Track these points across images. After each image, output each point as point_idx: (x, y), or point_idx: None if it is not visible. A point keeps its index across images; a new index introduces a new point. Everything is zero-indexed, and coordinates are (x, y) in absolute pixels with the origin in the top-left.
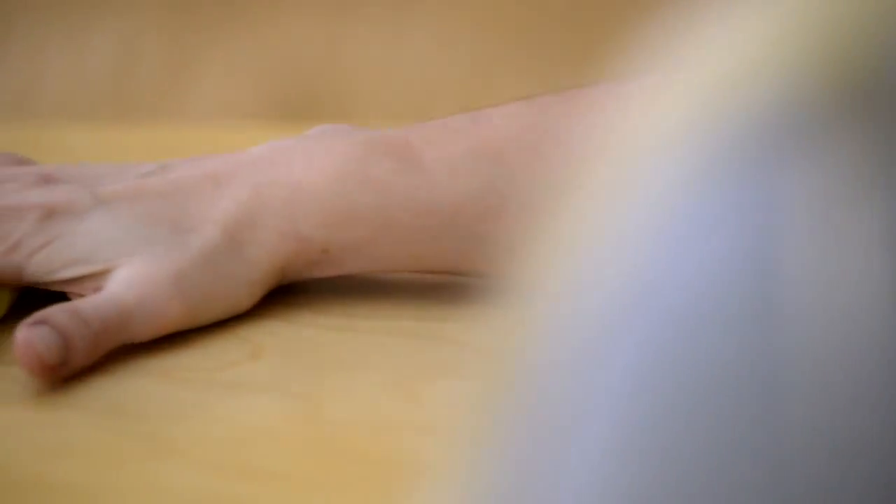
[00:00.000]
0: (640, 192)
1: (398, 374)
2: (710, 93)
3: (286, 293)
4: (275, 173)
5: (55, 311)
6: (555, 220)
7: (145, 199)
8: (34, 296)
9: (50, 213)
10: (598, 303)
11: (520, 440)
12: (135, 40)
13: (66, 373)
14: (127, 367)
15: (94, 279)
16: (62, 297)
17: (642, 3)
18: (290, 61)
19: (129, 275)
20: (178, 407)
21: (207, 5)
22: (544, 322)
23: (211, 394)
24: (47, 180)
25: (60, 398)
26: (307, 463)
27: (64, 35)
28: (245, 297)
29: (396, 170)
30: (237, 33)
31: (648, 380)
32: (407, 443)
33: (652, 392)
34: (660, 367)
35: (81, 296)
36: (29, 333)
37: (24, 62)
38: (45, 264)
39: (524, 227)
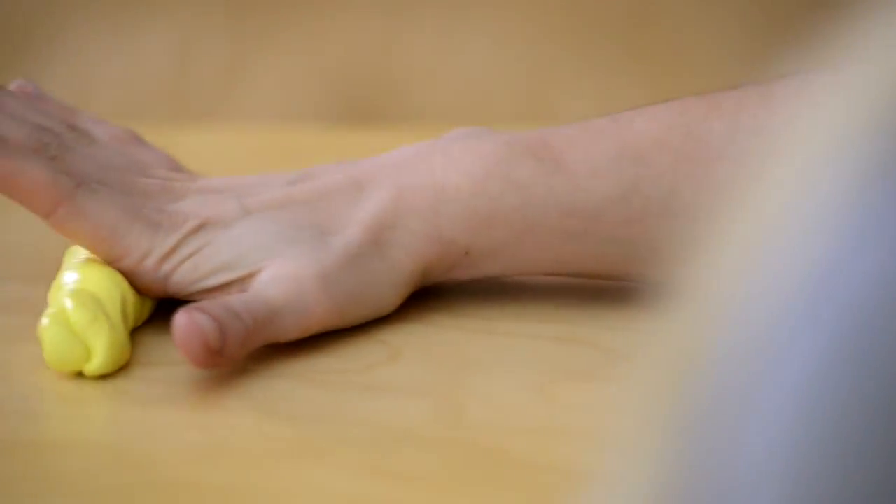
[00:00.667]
0: (817, 189)
1: (538, 377)
2: (887, 92)
3: (422, 296)
4: (417, 176)
5: (208, 304)
6: (731, 219)
7: (290, 207)
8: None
9: (200, 226)
10: (777, 300)
11: (695, 440)
12: (190, 41)
13: (221, 363)
14: (269, 369)
15: (239, 285)
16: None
17: (693, 5)
18: (346, 63)
19: (276, 275)
20: (321, 409)
21: (263, 7)
22: (719, 321)
23: (352, 396)
24: (200, 191)
25: (208, 400)
26: (451, 465)
27: (118, 36)
28: (389, 298)
29: (539, 171)
30: (293, 35)
31: (831, 375)
32: (549, 446)
33: (834, 387)
34: (842, 361)
35: None
36: (192, 317)
37: (78, 63)
38: (189, 274)
39: (671, 230)
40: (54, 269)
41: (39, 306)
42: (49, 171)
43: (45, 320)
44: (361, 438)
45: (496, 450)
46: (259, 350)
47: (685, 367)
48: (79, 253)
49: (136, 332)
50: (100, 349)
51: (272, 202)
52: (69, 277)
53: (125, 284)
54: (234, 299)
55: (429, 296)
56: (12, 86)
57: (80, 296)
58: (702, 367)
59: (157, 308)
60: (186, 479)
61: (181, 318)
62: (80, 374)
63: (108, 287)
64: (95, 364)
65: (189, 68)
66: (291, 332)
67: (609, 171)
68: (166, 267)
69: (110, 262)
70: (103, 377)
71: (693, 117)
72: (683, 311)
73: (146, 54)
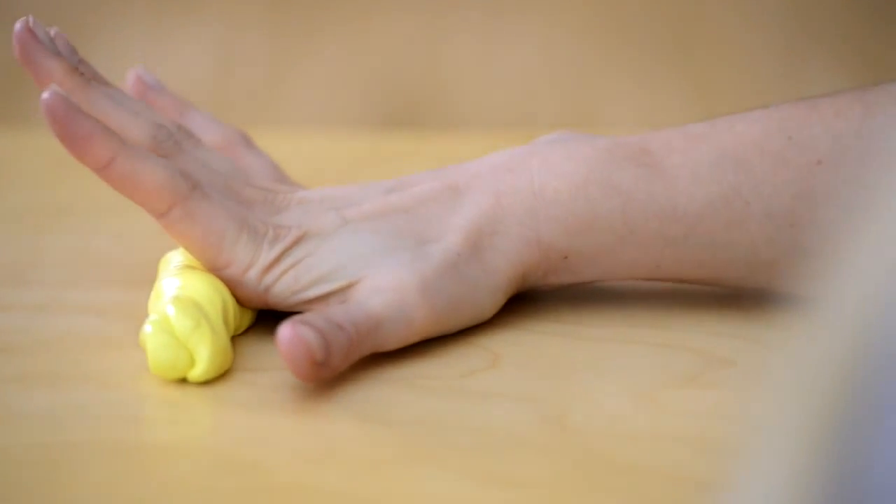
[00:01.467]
0: None
1: (639, 383)
2: None
3: (518, 301)
4: (514, 180)
5: (311, 317)
6: (863, 227)
7: (389, 216)
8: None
9: (300, 238)
10: None
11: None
12: (230, 47)
13: (325, 375)
14: (372, 376)
15: (339, 296)
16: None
17: (736, 11)
18: (389, 68)
19: (376, 285)
20: (425, 414)
21: (304, 12)
22: (869, 329)
23: (456, 401)
24: (300, 203)
25: (314, 406)
26: (556, 471)
27: (156, 41)
28: (489, 304)
29: (639, 176)
30: (335, 40)
31: None
32: (657, 452)
33: None
34: None
35: None
36: (296, 330)
37: (115, 69)
38: (290, 285)
39: (770, 235)
40: (150, 275)
41: (138, 313)
42: (167, 171)
43: (148, 328)
44: (468, 444)
45: (604, 456)
46: (364, 356)
47: (836, 376)
48: (173, 261)
49: (237, 338)
50: (203, 355)
51: (371, 212)
52: (170, 284)
53: (226, 290)
54: (336, 311)
55: (525, 301)
56: (130, 74)
57: (182, 303)
58: (855, 375)
59: (257, 316)
60: (296, 483)
61: (286, 331)
62: (182, 380)
63: (210, 293)
64: (199, 370)
65: (229, 74)
66: (393, 342)
67: (709, 176)
68: (268, 279)
69: (214, 269)
70: (206, 383)
71: (792, 122)
72: (825, 318)
73: (185, 59)
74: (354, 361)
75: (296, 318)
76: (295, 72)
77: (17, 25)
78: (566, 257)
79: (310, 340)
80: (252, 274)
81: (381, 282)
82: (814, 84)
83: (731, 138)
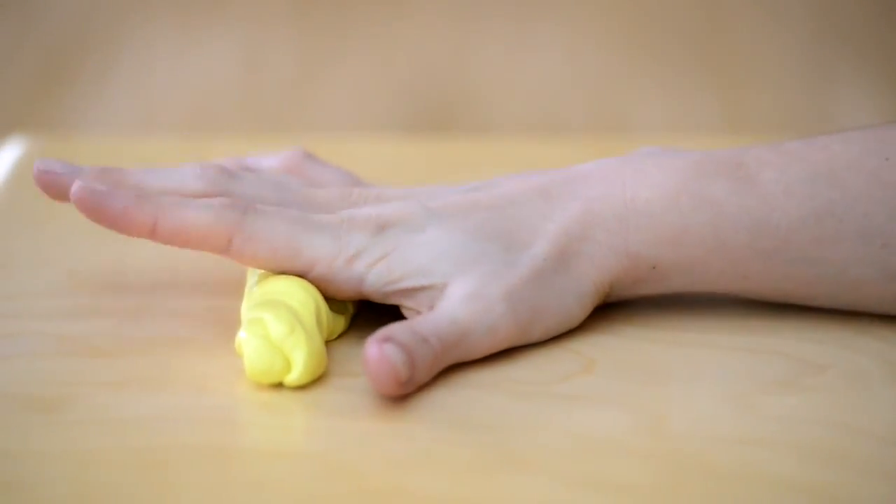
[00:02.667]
0: None
1: (736, 388)
2: None
3: (606, 306)
4: (606, 188)
5: (397, 330)
6: None
7: (477, 212)
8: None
9: (384, 226)
10: None
11: None
12: (258, 51)
13: (409, 390)
14: (462, 379)
15: (430, 292)
16: (394, 315)
17: (763, 16)
18: (417, 73)
19: (463, 293)
20: (520, 419)
21: (332, 17)
22: None
23: (550, 406)
24: (378, 198)
25: (405, 410)
26: (655, 476)
27: (183, 45)
28: (575, 312)
29: (731, 189)
30: (364, 44)
31: None
32: (756, 458)
33: None
34: None
35: (415, 311)
36: (382, 350)
37: (143, 74)
38: (384, 275)
39: (862, 254)
40: (238, 281)
41: (228, 318)
42: (210, 210)
43: (243, 334)
44: (565, 448)
45: (703, 461)
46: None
47: None
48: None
49: (330, 343)
50: (299, 360)
51: (457, 206)
52: (262, 290)
53: (318, 294)
54: (422, 322)
55: (614, 307)
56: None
57: (276, 308)
58: None
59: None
60: (394, 487)
61: (373, 351)
62: (278, 385)
63: (303, 297)
64: (295, 375)
65: (257, 79)
66: (477, 352)
67: (803, 192)
68: (359, 267)
69: (299, 274)
70: (301, 387)
71: (889, 143)
72: None
73: (213, 64)
74: (438, 372)
75: (382, 332)
76: (322, 77)
77: (34, 170)
78: (654, 267)
79: (395, 361)
80: (338, 265)
81: (468, 290)
82: (839, 89)
83: (826, 156)
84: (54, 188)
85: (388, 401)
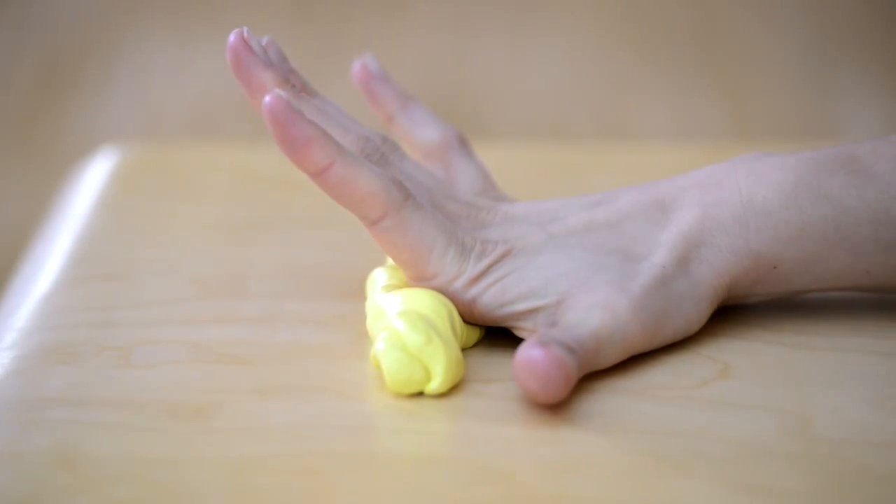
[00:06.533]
0: None
1: (877, 392)
2: None
3: (729, 311)
4: (722, 192)
5: (545, 339)
6: None
7: (595, 231)
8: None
9: (509, 252)
10: None
11: None
12: None
13: (564, 395)
14: (600, 387)
15: (545, 312)
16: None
17: (764, 19)
18: (417, 77)
19: (589, 304)
20: (667, 424)
21: (331, 23)
22: None
23: (692, 411)
24: (504, 219)
25: (551, 416)
26: (811, 480)
27: (184, 49)
28: (695, 316)
29: (849, 183)
30: (363, 48)
31: None
32: None
33: None
34: None
35: (530, 332)
36: (551, 351)
37: (143, 77)
38: (497, 297)
39: None
40: (361, 286)
41: (355, 323)
42: (383, 179)
43: (380, 345)
44: (717, 453)
45: (856, 465)
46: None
47: None
48: (379, 280)
49: (464, 351)
50: (438, 369)
51: (576, 227)
52: (391, 300)
53: (449, 301)
54: (564, 334)
55: (738, 312)
56: (356, 63)
57: (410, 317)
58: None
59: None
60: (551, 492)
61: (538, 353)
62: (418, 393)
63: (435, 305)
64: (436, 384)
65: None
66: (610, 360)
67: None
68: (474, 290)
69: (419, 280)
70: (440, 394)
71: None
72: None
73: (213, 68)
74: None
75: (533, 340)
76: (322, 81)
77: (231, 37)
78: (776, 266)
79: (566, 360)
80: (458, 285)
81: (593, 300)
82: (842, 94)
83: None
84: (242, 65)
85: (533, 407)
